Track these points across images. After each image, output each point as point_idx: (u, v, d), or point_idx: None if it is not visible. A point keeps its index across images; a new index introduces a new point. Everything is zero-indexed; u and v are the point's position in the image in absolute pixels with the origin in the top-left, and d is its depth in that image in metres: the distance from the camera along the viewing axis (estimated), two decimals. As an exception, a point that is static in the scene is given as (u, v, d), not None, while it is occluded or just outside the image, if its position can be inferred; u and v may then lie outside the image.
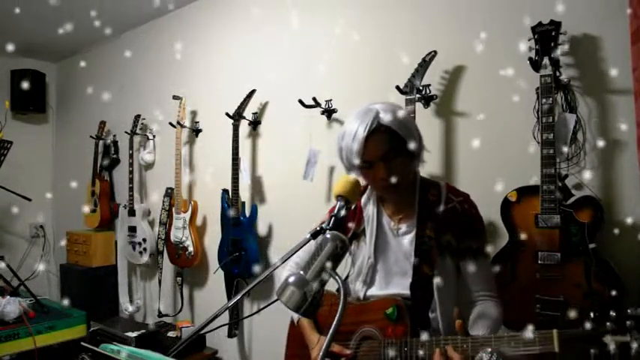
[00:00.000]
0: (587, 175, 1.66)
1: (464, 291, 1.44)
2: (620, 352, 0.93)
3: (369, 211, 1.48)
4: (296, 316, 1.55)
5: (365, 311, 1.41)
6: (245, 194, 2.78)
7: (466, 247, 1.39)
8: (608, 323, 0.95)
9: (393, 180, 1.32)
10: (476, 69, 1.95)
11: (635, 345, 0.91)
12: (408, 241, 1.41)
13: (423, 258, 1.38)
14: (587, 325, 0.97)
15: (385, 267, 1.45)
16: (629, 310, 0.94)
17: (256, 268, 2.58)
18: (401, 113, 1.36)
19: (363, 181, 1.44)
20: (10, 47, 3.70)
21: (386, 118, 1.29)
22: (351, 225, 1.52)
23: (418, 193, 1.42)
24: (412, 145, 1.33)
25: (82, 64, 4.17)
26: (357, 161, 1.30)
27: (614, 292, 1.46)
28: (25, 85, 4.12)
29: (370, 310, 1.40)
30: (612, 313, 0.95)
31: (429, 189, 1.43)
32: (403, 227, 1.44)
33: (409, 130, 1.34)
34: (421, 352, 1.23)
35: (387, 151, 1.31)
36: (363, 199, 1.51)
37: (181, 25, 3.29)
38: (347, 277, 1.54)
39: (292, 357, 1.62)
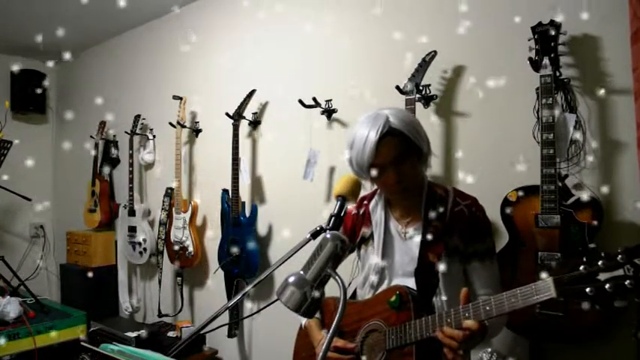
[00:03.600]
0: (587, 175, 1.66)
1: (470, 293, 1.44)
2: (615, 287, 0.92)
3: (377, 215, 1.49)
4: (304, 320, 1.57)
5: (369, 306, 1.42)
6: (245, 194, 2.78)
7: (473, 250, 1.40)
8: (600, 262, 0.95)
9: (404, 183, 1.34)
10: (476, 69, 1.95)
11: (628, 278, 0.91)
12: (415, 244, 1.41)
13: (428, 246, 1.38)
14: (581, 268, 0.98)
15: (392, 270, 1.46)
16: (619, 249, 0.94)
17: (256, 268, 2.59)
18: (410, 117, 1.39)
19: (373, 186, 1.46)
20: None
21: (396, 122, 1.31)
22: (356, 228, 1.54)
23: (425, 197, 1.43)
24: (421, 148, 1.36)
25: (83, 63, 4.18)
26: (368, 165, 1.31)
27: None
28: (26, 84, 4.13)
29: (374, 303, 1.42)
30: (602, 254, 0.95)
31: (436, 192, 1.44)
32: (410, 231, 1.44)
33: (419, 133, 1.36)
34: (425, 332, 1.24)
35: (398, 154, 1.32)
36: (372, 204, 1.52)
37: (181, 26, 3.29)
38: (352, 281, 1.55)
39: (300, 352, 1.63)
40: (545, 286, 1.02)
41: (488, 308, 1.13)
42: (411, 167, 1.35)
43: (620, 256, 0.93)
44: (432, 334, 1.22)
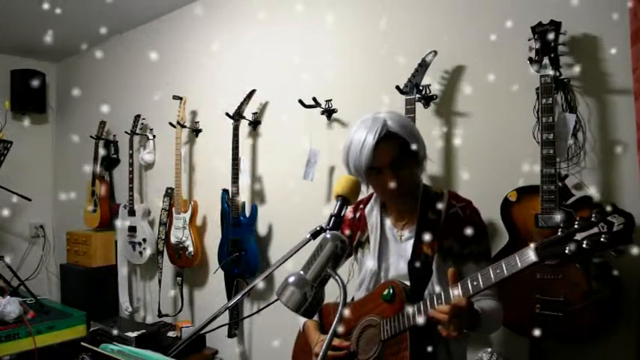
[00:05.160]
0: (587, 175, 1.66)
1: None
2: (592, 243, 0.96)
3: (373, 218, 1.50)
4: (302, 320, 1.57)
5: (365, 304, 1.44)
6: (245, 194, 2.78)
7: (469, 252, 1.40)
8: (575, 223, 0.99)
9: (401, 187, 1.34)
10: (476, 69, 1.94)
11: (603, 234, 0.95)
12: (410, 246, 1.42)
13: (421, 242, 1.38)
14: (559, 231, 1.02)
15: (388, 273, 1.47)
16: (593, 211, 0.99)
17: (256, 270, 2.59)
18: (407, 121, 1.40)
19: (370, 189, 1.46)
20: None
21: (394, 125, 1.32)
22: (353, 233, 1.54)
23: (420, 199, 1.44)
24: (418, 152, 1.36)
25: (83, 63, 4.18)
26: (365, 169, 1.31)
27: (612, 292, 1.47)
28: (26, 84, 4.13)
29: (369, 301, 1.43)
30: (577, 218, 1.00)
31: (431, 195, 1.44)
32: (406, 233, 1.45)
33: (416, 137, 1.37)
34: (418, 318, 1.25)
35: (395, 157, 1.33)
36: (367, 208, 1.53)
37: (181, 25, 3.29)
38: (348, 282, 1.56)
39: (298, 357, 1.64)
40: (526, 253, 1.05)
41: (475, 283, 1.14)
42: (409, 171, 1.36)
43: (594, 216, 0.97)
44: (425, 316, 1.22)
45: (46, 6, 3.11)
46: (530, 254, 1.04)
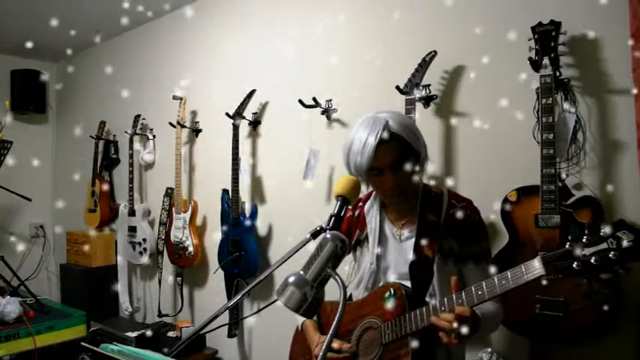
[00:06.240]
0: (587, 175, 1.66)
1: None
2: (600, 259, 0.96)
3: (372, 217, 1.50)
4: (300, 320, 1.56)
5: (364, 305, 1.43)
6: (245, 194, 2.78)
7: (468, 252, 1.40)
8: (584, 238, 0.99)
9: (402, 187, 1.35)
10: (476, 69, 1.94)
11: (612, 251, 0.95)
12: (410, 246, 1.42)
13: (422, 243, 1.38)
14: (567, 245, 1.01)
15: (387, 272, 1.46)
16: (602, 226, 0.98)
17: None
18: (408, 121, 1.40)
19: (370, 188, 1.46)
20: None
21: (395, 126, 1.31)
22: (355, 232, 1.54)
23: (420, 199, 1.43)
24: (419, 153, 1.36)
25: (83, 63, 4.18)
26: (367, 169, 1.31)
27: (612, 292, 1.47)
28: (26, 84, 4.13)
29: (369, 302, 1.42)
30: (586, 230, 1.00)
31: (431, 195, 1.44)
32: (406, 232, 1.45)
33: (417, 138, 1.37)
34: (420, 322, 1.24)
35: (396, 158, 1.32)
36: (367, 206, 1.52)
37: (181, 26, 3.29)
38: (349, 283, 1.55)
39: (296, 356, 1.63)
40: (533, 265, 1.05)
41: (480, 293, 1.14)
42: (409, 171, 1.35)
43: (602, 230, 0.97)
44: (427, 323, 1.22)
45: (46, 6, 3.12)
46: (538, 267, 1.03)
